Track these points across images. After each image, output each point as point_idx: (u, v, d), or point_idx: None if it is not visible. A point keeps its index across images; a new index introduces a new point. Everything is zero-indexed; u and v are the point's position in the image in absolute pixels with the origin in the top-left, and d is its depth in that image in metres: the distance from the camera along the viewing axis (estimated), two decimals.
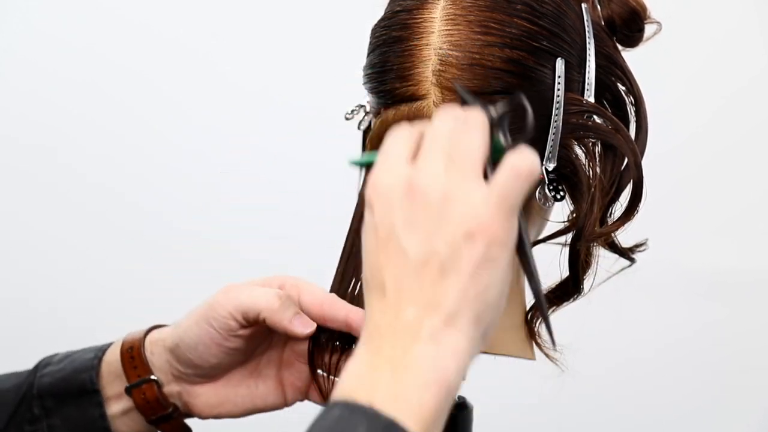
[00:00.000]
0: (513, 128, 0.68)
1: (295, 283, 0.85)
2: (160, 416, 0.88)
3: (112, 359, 0.89)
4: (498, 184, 0.64)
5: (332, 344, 0.84)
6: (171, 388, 0.88)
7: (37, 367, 0.92)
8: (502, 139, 0.67)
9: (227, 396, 0.88)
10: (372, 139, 0.88)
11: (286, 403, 0.88)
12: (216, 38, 1.79)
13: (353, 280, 0.85)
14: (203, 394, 0.88)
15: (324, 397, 0.86)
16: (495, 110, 0.67)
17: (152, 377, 0.87)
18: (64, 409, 0.89)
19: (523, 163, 0.64)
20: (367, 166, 0.76)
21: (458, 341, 0.62)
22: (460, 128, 0.66)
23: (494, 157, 0.66)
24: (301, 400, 0.88)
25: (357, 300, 0.84)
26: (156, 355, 0.88)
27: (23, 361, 0.96)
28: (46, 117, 1.78)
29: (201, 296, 0.87)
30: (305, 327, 0.83)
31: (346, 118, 0.93)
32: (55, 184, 1.78)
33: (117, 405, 0.89)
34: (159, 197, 1.78)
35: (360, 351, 0.63)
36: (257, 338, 0.87)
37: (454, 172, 0.64)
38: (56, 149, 1.78)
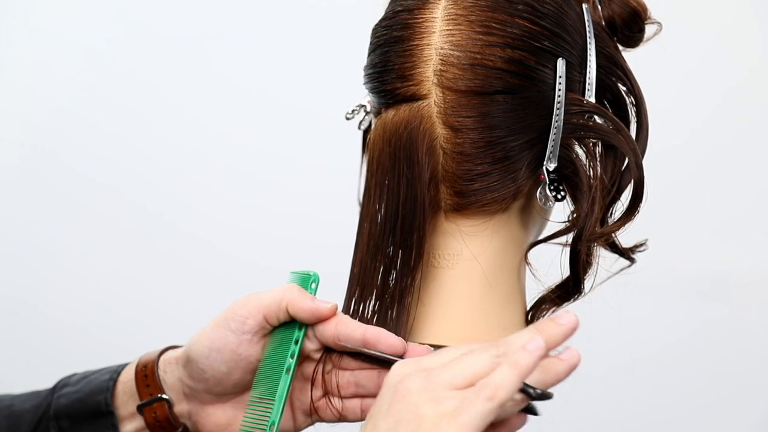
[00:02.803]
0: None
1: None
2: None
3: (127, 379, 0.90)
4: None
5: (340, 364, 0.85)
6: (181, 408, 0.88)
7: (55, 388, 0.93)
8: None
9: (236, 417, 0.87)
10: (372, 140, 0.88)
11: (295, 427, 0.88)
12: (217, 39, 1.79)
13: (364, 303, 0.85)
14: (213, 414, 0.88)
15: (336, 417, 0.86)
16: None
17: (163, 396, 0.88)
18: (80, 430, 0.90)
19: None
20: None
21: None
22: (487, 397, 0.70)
23: None
24: (311, 423, 0.88)
25: (369, 322, 0.84)
26: (168, 373, 0.88)
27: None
28: (46, 118, 1.78)
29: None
30: (327, 304, 0.83)
31: (347, 118, 0.93)
32: (56, 184, 1.78)
33: (130, 424, 0.90)
34: (159, 198, 1.78)
35: None
36: None
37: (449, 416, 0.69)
38: (57, 150, 1.78)
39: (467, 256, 0.85)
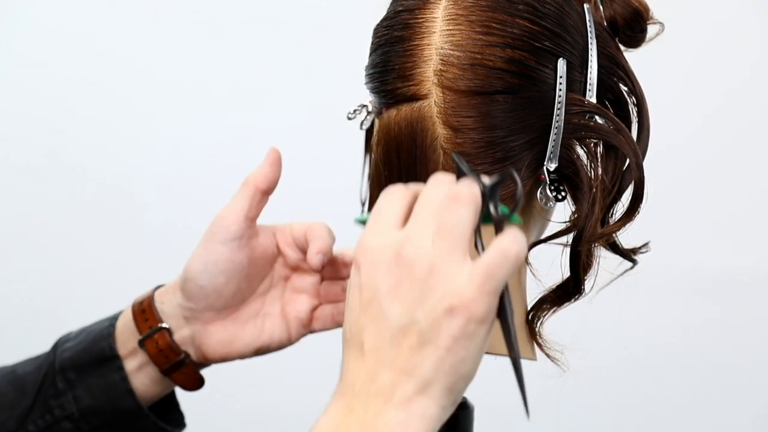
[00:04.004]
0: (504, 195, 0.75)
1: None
2: (173, 363, 0.91)
3: (125, 320, 0.93)
4: (485, 264, 0.66)
5: None
6: (182, 333, 0.91)
7: (56, 345, 0.95)
8: (492, 210, 0.69)
9: (236, 333, 0.91)
10: (373, 140, 0.88)
11: (290, 340, 0.92)
12: (217, 39, 1.79)
13: None
14: (215, 333, 0.91)
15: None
16: (486, 182, 0.69)
17: (163, 325, 0.91)
18: (87, 378, 0.92)
19: (513, 246, 0.66)
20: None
21: (428, 408, 0.65)
22: (451, 202, 0.68)
23: (486, 222, 0.69)
24: (304, 334, 0.93)
25: None
26: (166, 303, 0.92)
27: (24, 355, 0.97)
28: (47, 116, 1.78)
29: None
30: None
31: (348, 118, 0.93)
32: (57, 182, 1.78)
33: (132, 362, 0.93)
34: (162, 196, 1.79)
35: (333, 407, 0.67)
36: (258, 265, 0.91)
37: (442, 246, 0.66)
38: (57, 148, 1.78)
39: None
